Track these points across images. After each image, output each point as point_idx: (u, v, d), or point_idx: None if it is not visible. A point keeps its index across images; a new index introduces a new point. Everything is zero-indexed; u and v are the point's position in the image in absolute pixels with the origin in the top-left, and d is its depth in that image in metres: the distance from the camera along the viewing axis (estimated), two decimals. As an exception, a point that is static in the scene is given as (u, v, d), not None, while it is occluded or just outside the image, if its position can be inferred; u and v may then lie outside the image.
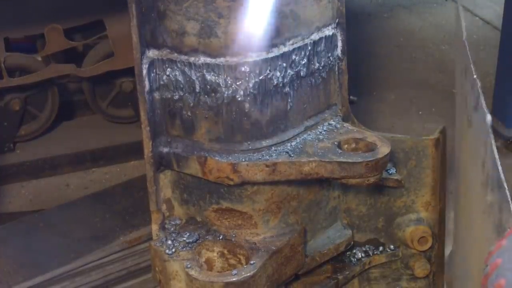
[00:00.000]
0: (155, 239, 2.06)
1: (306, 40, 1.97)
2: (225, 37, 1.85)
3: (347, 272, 2.25)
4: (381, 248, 2.30)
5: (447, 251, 2.37)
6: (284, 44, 1.92)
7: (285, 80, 1.95)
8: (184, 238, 2.02)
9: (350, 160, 1.92)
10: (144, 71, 1.91)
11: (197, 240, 2.02)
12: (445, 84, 5.24)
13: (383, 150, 1.97)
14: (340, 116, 2.17)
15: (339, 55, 2.12)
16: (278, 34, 1.90)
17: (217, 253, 2.02)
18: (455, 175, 2.08)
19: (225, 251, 2.02)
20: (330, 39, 2.07)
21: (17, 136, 4.50)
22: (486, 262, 1.33)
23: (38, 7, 4.15)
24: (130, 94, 4.55)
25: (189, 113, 1.95)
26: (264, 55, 1.88)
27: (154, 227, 2.07)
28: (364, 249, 2.30)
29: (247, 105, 1.91)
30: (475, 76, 1.60)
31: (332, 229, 2.22)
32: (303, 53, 1.97)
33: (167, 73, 1.93)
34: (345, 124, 2.13)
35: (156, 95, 1.96)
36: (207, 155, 1.94)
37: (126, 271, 3.10)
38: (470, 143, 1.73)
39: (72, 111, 4.81)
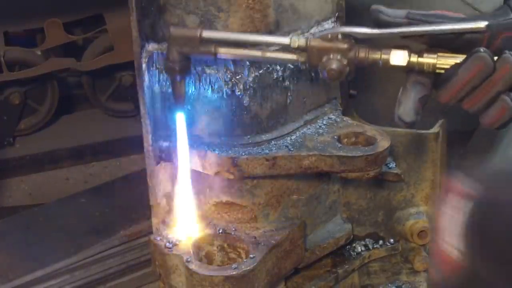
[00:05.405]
0: (155, 233, 2.06)
1: (305, 34, 1.97)
2: (225, 31, 1.85)
3: (347, 266, 2.25)
4: (380, 242, 2.31)
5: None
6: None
7: (285, 74, 1.95)
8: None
9: (349, 154, 1.92)
10: (144, 65, 1.91)
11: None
12: (445, 78, 5.23)
13: (383, 144, 1.96)
14: (340, 110, 2.17)
15: (339, 49, 2.12)
16: (277, 28, 1.90)
17: (217, 247, 2.02)
18: None
19: (225, 245, 2.02)
20: (330, 33, 2.06)
21: (17, 130, 4.48)
22: None
23: (37, 1, 4.14)
24: (130, 87, 4.54)
25: (189, 107, 1.94)
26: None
27: (154, 221, 2.07)
28: (363, 243, 2.30)
29: (246, 99, 1.91)
30: None
31: (332, 223, 2.22)
32: (303, 47, 1.97)
33: (167, 67, 1.93)
34: (345, 118, 2.13)
35: (156, 89, 1.96)
36: (206, 149, 1.94)
37: (126, 265, 3.09)
38: None
39: (72, 105, 4.79)
